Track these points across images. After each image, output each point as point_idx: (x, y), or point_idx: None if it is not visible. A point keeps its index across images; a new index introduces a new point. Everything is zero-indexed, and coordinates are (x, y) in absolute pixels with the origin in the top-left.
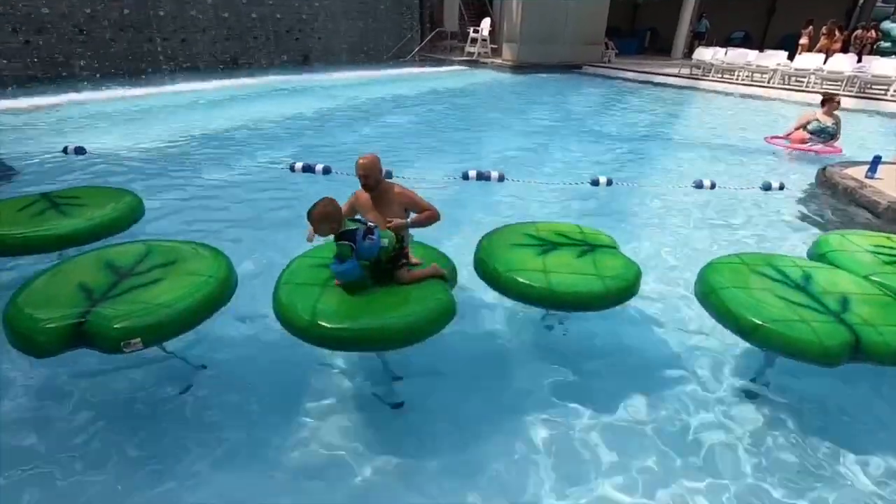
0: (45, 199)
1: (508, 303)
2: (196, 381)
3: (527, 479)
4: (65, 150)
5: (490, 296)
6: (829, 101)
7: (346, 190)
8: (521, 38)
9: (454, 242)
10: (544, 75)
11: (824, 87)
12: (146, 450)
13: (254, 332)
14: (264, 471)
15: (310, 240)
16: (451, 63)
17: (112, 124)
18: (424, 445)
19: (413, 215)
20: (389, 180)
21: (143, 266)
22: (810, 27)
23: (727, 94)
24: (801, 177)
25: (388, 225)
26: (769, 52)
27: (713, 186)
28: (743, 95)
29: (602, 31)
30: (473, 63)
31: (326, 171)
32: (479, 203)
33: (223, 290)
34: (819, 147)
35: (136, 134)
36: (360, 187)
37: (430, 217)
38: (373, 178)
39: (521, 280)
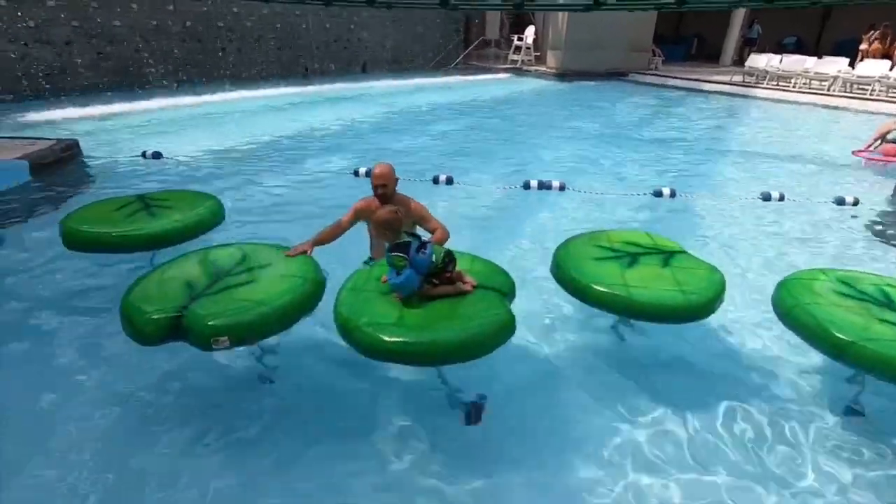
0: (140, 201)
1: (576, 313)
2: (267, 383)
3: (604, 493)
4: (143, 155)
5: (557, 306)
6: None
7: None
8: (566, 46)
9: (516, 252)
10: (590, 83)
11: (889, 94)
12: (211, 444)
13: (324, 340)
14: (327, 485)
15: (293, 254)
16: (496, 71)
17: (181, 130)
18: (499, 461)
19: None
20: (402, 193)
21: (241, 266)
22: (872, 32)
23: (783, 102)
24: (878, 190)
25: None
26: (828, 59)
27: (782, 198)
28: (800, 104)
29: (649, 38)
30: (517, 71)
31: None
32: (540, 212)
33: (313, 293)
34: None
35: (205, 139)
36: (365, 195)
37: (442, 239)
38: (391, 187)
39: (602, 289)
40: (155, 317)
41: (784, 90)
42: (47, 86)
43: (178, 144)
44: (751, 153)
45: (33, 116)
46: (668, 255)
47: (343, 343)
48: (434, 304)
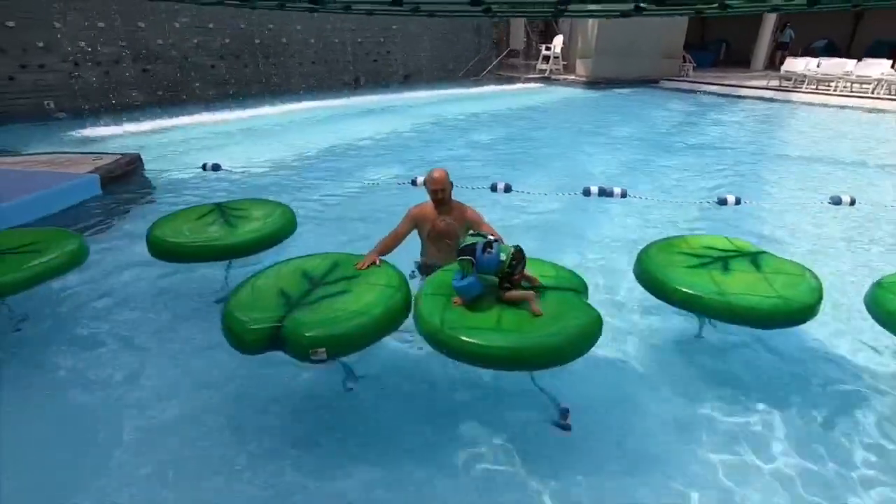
0: (218, 210)
1: (653, 315)
2: (350, 390)
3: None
4: (203, 167)
5: (632, 309)
6: None
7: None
8: (596, 54)
9: (582, 258)
10: (621, 90)
11: None
12: (296, 445)
13: (404, 345)
14: (414, 491)
15: (363, 266)
16: (525, 80)
17: (229, 143)
18: (586, 467)
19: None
20: (457, 200)
21: (332, 276)
22: None
23: (826, 106)
24: None
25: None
26: (870, 61)
27: (853, 202)
28: (842, 107)
29: (680, 45)
30: (546, 80)
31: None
32: (601, 219)
33: (404, 303)
34: None
35: (255, 151)
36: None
37: None
38: (448, 192)
39: (689, 291)
40: (255, 327)
41: (825, 94)
42: (98, 103)
43: (231, 157)
44: (804, 158)
45: (87, 132)
46: (756, 258)
47: (423, 349)
48: (517, 307)
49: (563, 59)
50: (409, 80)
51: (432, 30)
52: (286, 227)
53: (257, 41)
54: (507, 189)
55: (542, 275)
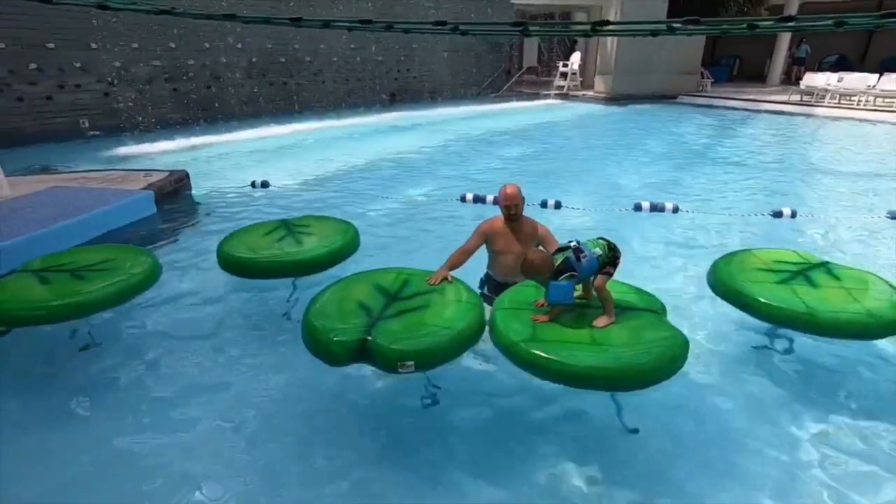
0: (284, 227)
1: (723, 328)
2: (431, 405)
3: None
4: (252, 184)
5: (700, 324)
6: None
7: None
8: (616, 70)
9: (645, 274)
10: (641, 106)
11: None
12: (379, 463)
13: (479, 359)
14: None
15: (435, 282)
16: (544, 97)
17: (265, 159)
18: (670, 484)
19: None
20: (527, 216)
21: (408, 291)
22: None
23: (851, 119)
24: None
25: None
26: (892, 76)
27: None
28: (869, 121)
29: (698, 61)
30: (564, 96)
31: (496, 201)
32: (654, 234)
33: (482, 318)
34: None
35: (293, 168)
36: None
37: None
38: (521, 207)
39: (776, 304)
40: (342, 338)
41: (848, 108)
42: (131, 121)
43: (271, 173)
44: (845, 172)
45: (123, 150)
46: (833, 271)
47: (495, 364)
48: (592, 323)
49: (580, 76)
50: (431, 96)
51: (452, 47)
52: (351, 245)
53: (283, 59)
54: (558, 205)
55: (619, 295)
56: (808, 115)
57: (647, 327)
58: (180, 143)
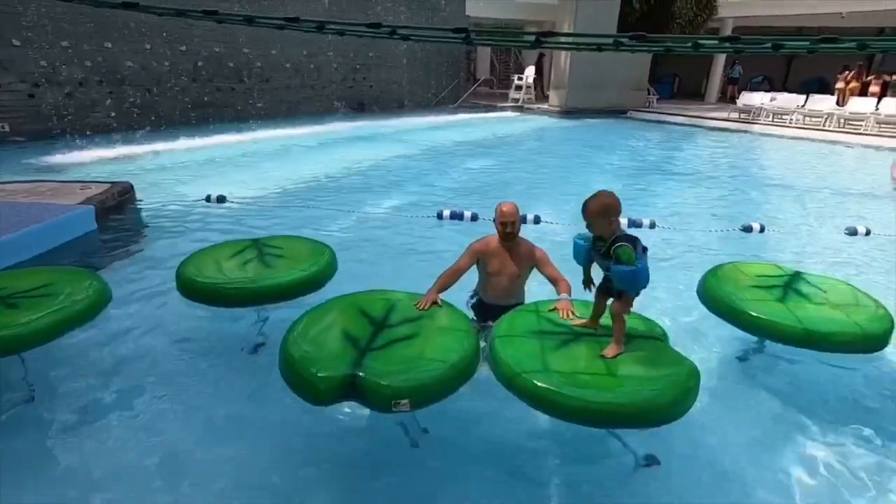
0: (255, 247)
1: (714, 343)
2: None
3: None
4: (208, 198)
5: (689, 339)
6: None
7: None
8: (569, 85)
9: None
10: (594, 120)
11: (881, 129)
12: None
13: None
14: None
15: (424, 307)
16: (499, 109)
17: (214, 171)
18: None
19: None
20: (524, 238)
21: (395, 318)
22: (847, 72)
23: (783, 137)
24: None
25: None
26: (818, 97)
27: (868, 233)
28: (798, 138)
29: (646, 77)
30: (520, 109)
31: (474, 217)
32: None
33: (477, 346)
34: None
35: (246, 180)
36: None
37: (567, 291)
38: (518, 226)
39: (767, 318)
40: (328, 374)
41: (782, 126)
42: (61, 127)
43: (226, 186)
44: (796, 187)
45: (51, 159)
46: (819, 285)
47: (492, 396)
48: (607, 355)
49: (534, 90)
50: (388, 106)
51: (410, 57)
52: (328, 269)
53: (231, 65)
54: (537, 220)
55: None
56: (747, 132)
57: (657, 358)
58: (120, 151)
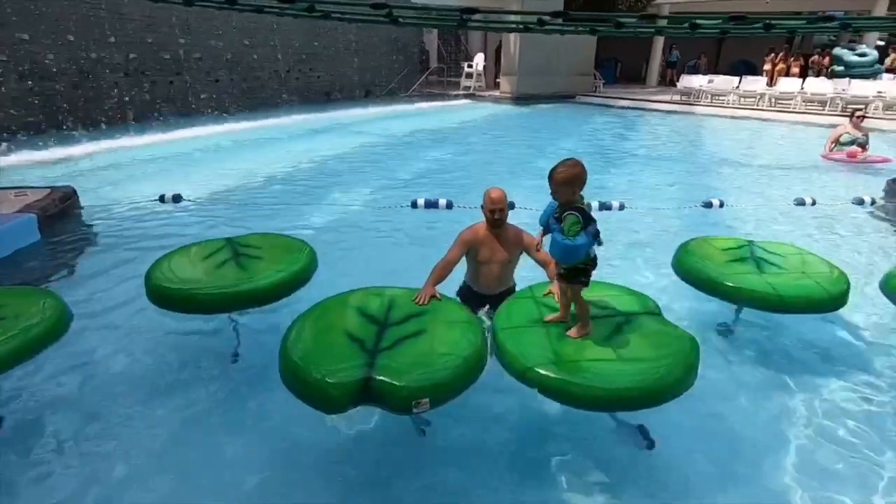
0: (229, 247)
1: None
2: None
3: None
4: (161, 199)
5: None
6: (855, 116)
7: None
8: (519, 72)
9: (608, 271)
10: (545, 105)
11: (807, 108)
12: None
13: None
14: None
15: (424, 301)
16: (452, 97)
17: (161, 169)
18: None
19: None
20: (511, 224)
21: (398, 315)
22: (772, 54)
23: (723, 117)
24: (873, 187)
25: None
26: (750, 79)
27: (814, 203)
28: (736, 118)
29: (591, 63)
30: (471, 96)
31: (449, 205)
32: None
33: (484, 338)
34: (873, 157)
35: (199, 177)
36: (478, 222)
37: (550, 274)
38: (506, 213)
39: (748, 287)
40: (340, 379)
41: (720, 106)
42: None
43: (176, 185)
44: (737, 163)
45: None
46: (778, 252)
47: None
48: (614, 336)
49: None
50: (338, 96)
51: (357, 47)
52: (309, 267)
53: (166, 57)
54: (511, 206)
55: (611, 298)
56: (689, 114)
57: (659, 334)
58: (52, 153)
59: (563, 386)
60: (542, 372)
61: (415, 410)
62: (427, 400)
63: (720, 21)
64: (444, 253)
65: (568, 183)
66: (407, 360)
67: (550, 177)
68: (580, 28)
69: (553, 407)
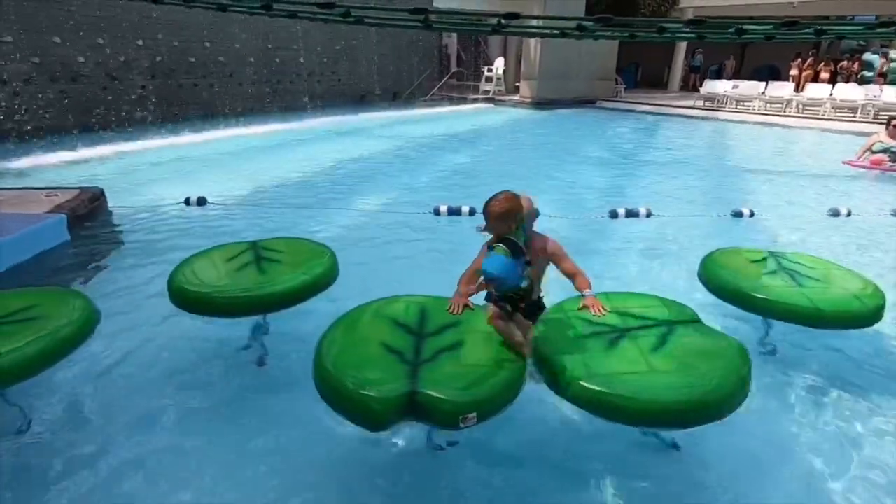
0: (252, 250)
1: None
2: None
3: None
4: (187, 202)
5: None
6: (891, 124)
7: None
8: (539, 76)
9: (640, 281)
10: (565, 110)
11: (837, 115)
12: None
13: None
14: None
15: (457, 311)
16: (471, 101)
17: (189, 171)
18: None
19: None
20: (538, 231)
21: (432, 325)
22: (799, 59)
23: (748, 123)
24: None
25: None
26: (777, 84)
27: (849, 214)
28: (762, 124)
29: (613, 67)
30: (491, 100)
31: (472, 212)
32: (632, 239)
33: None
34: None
35: (224, 180)
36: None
37: (584, 286)
38: (529, 222)
39: (768, 297)
40: (385, 394)
41: (745, 112)
42: (5, 128)
43: (200, 187)
44: (770, 171)
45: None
46: (813, 266)
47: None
48: (658, 347)
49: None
50: (359, 100)
51: (379, 50)
52: (330, 272)
53: (192, 60)
54: (536, 214)
55: (647, 308)
56: (714, 119)
57: (706, 343)
58: (82, 153)
59: (607, 399)
60: (585, 384)
61: (462, 426)
62: (474, 415)
63: (770, 27)
64: (470, 262)
65: (502, 217)
66: (450, 372)
67: (484, 211)
68: (618, 34)
69: (593, 422)
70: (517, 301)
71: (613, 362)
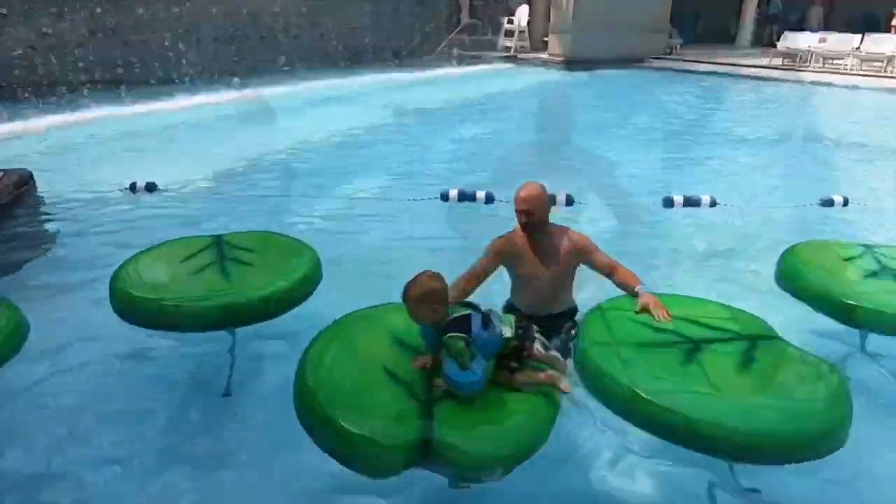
0: (214, 247)
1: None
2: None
3: None
4: (132, 188)
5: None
6: None
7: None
8: (574, 28)
9: (699, 282)
10: (606, 71)
11: None
12: None
13: None
14: None
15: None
16: (489, 60)
17: (130, 150)
18: None
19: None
20: (556, 223)
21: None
22: None
23: (837, 86)
24: None
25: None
26: (876, 36)
27: None
28: (856, 87)
29: (667, 17)
30: (512, 59)
31: (489, 199)
32: (692, 234)
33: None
34: None
35: (179, 161)
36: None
37: (627, 282)
38: (542, 215)
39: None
40: (394, 441)
41: (836, 72)
42: None
43: (149, 170)
44: (871, 147)
45: None
46: None
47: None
48: (742, 365)
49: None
50: (348, 60)
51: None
52: (313, 276)
53: (140, 10)
54: (569, 202)
55: (722, 321)
56: (796, 82)
57: (794, 365)
58: (4, 127)
59: (695, 426)
60: (663, 405)
61: (484, 480)
62: (501, 470)
63: None
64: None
65: (421, 301)
66: (471, 415)
67: (404, 296)
68: None
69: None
70: (519, 352)
71: (693, 381)
